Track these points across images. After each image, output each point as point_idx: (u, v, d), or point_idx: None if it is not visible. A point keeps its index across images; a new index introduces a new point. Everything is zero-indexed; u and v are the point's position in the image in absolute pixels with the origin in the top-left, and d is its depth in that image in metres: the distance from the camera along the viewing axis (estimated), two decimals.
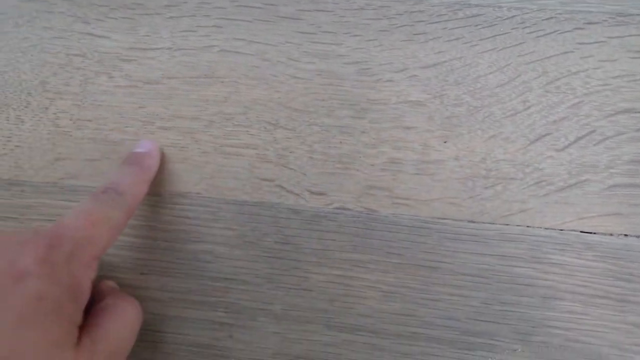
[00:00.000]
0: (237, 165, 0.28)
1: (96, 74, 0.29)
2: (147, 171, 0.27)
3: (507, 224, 0.27)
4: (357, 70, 0.28)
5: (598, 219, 0.26)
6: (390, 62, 0.28)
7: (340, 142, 0.28)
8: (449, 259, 0.27)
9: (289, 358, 0.27)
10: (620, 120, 0.27)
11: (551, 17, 0.28)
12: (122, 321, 0.24)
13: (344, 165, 0.28)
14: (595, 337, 0.26)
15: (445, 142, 0.27)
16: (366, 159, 0.28)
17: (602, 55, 0.27)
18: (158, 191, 0.28)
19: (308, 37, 0.29)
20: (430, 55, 0.28)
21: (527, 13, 0.28)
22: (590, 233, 0.26)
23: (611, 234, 0.26)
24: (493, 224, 0.27)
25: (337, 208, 0.28)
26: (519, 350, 0.26)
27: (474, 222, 0.27)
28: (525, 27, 0.28)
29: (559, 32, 0.27)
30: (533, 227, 0.27)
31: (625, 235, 0.26)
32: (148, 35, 0.29)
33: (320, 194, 0.28)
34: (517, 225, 0.27)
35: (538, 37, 0.27)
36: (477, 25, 0.28)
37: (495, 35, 0.28)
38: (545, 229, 0.27)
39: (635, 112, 0.27)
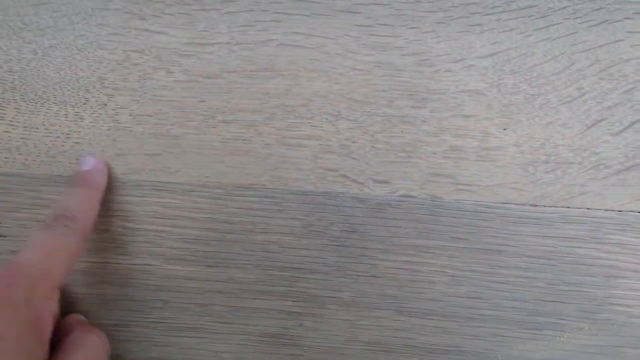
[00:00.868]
0: (300, 156, 0.29)
1: (154, 69, 0.29)
2: (95, 189, 0.27)
3: (568, 207, 0.28)
4: (415, 62, 0.29)
5: None
6: (448, 53, 0.29)
7: (402, 132, 0.29)
8: (513, 242, 0.28)
9: (361, 344, 0.28)
10: None
11: (601, 8, 0.29)
12: (89, 354, 0.24)
13: (407, 154, 0.28)
14: None
15: (504, 129, 0.28)
16: (428, 147, 0.28)
17: None
18: (221, 184, 0.29)
19: (365, 29, 0.29)
20: (487, 45, 0.29)
21: (578, 4, 0.29)
22: None
23: None
24: (555, 207, 0.28)
25: (401, 196, 0.28)
26: (586, 328, 0.27)
27: (536, 205, 0.28)
28: (577, 17, 0.29)
29: (609, 21, 0.28)
30: (593, 209, 0.28)
31: None
32: (206, 31, 0.30)
33: (384, 182, 0.28)
34: (578, 208, 0.28)
35: (589, 27, 0.29)
36: (530, 17, 0.29)
37: (549, 26, 0.29)
38: (605, 210, 0.27)
39: None
